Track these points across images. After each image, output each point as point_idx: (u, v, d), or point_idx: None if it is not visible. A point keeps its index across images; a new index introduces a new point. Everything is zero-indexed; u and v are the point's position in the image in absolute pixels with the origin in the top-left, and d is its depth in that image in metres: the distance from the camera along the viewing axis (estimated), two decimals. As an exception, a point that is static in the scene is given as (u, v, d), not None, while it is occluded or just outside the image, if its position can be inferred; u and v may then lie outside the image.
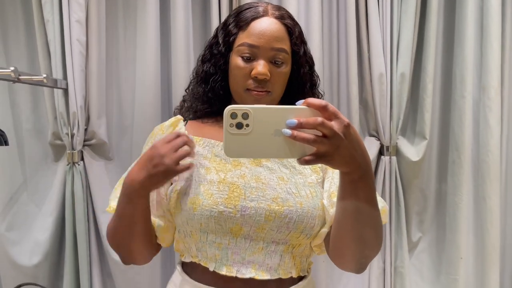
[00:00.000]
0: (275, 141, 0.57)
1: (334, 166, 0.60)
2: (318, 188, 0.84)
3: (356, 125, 1.59)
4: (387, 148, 1.60)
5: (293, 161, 0.86)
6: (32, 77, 1.23)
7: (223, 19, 1.49)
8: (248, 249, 0.80)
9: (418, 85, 1.62)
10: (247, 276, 0.79)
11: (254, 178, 0.81)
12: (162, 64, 1.56)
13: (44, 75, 1.24)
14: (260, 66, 0.82)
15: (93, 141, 1.54)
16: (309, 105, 0.57)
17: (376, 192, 0.69)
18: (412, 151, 1.62)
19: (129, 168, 0.85)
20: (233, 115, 0.57)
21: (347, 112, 1.60)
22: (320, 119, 0.55)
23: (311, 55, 0.95)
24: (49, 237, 1.54)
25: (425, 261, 1.72)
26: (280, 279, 0.81)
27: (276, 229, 0.79)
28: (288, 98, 0.91)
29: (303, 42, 0.90)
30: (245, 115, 0.57)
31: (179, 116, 0.94)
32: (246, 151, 0.58)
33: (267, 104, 0.73)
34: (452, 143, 1.61)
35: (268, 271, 0.80)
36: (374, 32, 1.54)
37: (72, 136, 1.50)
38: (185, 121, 0.95)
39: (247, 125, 0.57)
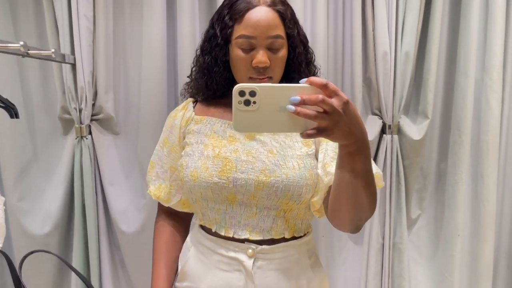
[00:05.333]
0: (280, 116, 0.62)
1: (333, 139, 0.65)
2: (307, 160, 0.91)
3: (359, 103, 1.61)
4: (389, 126, 1.62)
5: (284, 136, 0.94)
6: (41, 51, 1.24)
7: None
8: (243, 214, 0.91)
9: (422, 64, 1.63)
10: (243, 237, 0.92)
11: (245, 153, 0.91)
12: (168, 39, 1.57)
13: (53, 50, 1.25)
14: (260, 56, 0.89)
15: (100, 116, 1.58)
16: (311, 84, 0.60)
17: (371, 160, 0.75)
18: (414, 130, 1.64)
19: (156, 152, 1.07)
20: (241, 93, 0.61)
21: (351, 90, 1.62)
22: (321, 96, 0.59)
23: (304, 33, 1.00)
24: (59, 208, 1.60)
25: (423, 238, 1.77)
26: (272, 239, 0.92)
27: (266, 196, 0.89)
28: (287, 76, 0.98)
29: (295, 23, 0.96)
30: (253, 93, 0.61)
31: (190, 99, 1.07)
32: (253, 126, 0.63)
33: None
34: (454, 123, 1.63)
35: (261, 232, 0.91)
36: (380, 10, 1.53)
37: (80, 110, 1.53)
38: (195, 102, 1.06)
39: (254, 102, 0.61)
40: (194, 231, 1.03)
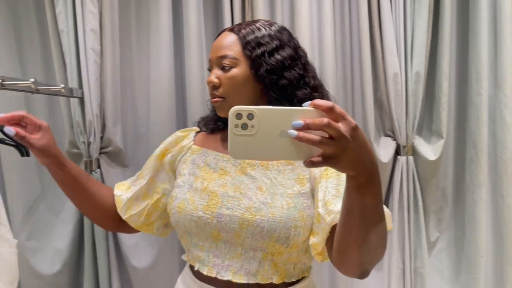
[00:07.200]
0: (280, 142, 0.56)
1: (340, 169, 0.58)
2: (298, 200, 0.85)
3: (371, 125, 1.58)
4: (404, 148, 1.59)
5: (277, 173, 0.88)
6: (50, 87, 1.23)
7: (235, 21, 1.50)
8: (228, 254, 0.86)
9: (433, 83, 1.61)
10: (225, 278, 0.86)
11: (233, 187, 0.87)
12: (176, 69, 1.56)
13: (62, 85, 1.24)
14: (210, 76, 0.90)
15: (109, 149, 1.55)
16: (315, 107, 0.55)
17: (382, 195, 0.69)
18: (429, 150, 1.61)
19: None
20: (238, 116, 0.56)
21: (362, 112, 1.59)
22: (326, 120, 0.53)
23: (277, 58, 0.89)
24: (68, 245, 1.55)
25: (444, 260, 1.70)
26: (258, 284, 0.85)
27: (251, 236, 0.83)
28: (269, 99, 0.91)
29: (260, 44, 0.89)
30: (250, 116, 0.56)
31: (194, 128, 1.07)
32: (251, 153, 0.57)
33: (225, 109, 0.88)
34: (469, 141, 1.59)
35: (246, 275, 0.85)
36: (388, 31, 1.53)
37: (89, 144, 1.51)
38: (198, 132, 1.06)
39: (252, 126, 0.56)
40: (184, 269, 0.99)
